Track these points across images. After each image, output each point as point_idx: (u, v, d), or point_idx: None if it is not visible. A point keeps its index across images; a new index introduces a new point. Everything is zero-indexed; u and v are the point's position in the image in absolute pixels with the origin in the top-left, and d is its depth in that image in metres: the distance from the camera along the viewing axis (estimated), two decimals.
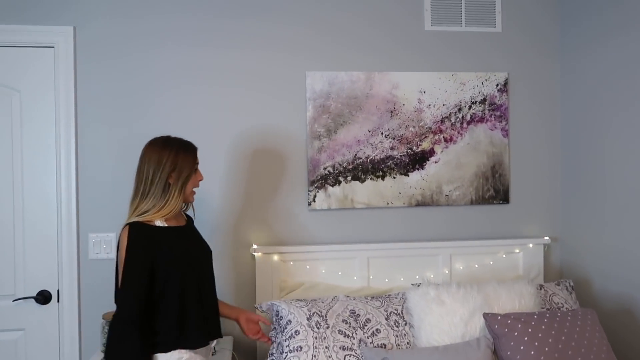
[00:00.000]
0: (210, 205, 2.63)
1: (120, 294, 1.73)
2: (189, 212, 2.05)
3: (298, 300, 2.25)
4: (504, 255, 2.73)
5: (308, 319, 2.13)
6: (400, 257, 2.68)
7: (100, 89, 2.55)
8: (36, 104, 2.49)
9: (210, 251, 2.00)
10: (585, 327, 1.94)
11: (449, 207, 2.79)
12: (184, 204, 1.94)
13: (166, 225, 1.83)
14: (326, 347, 2.05)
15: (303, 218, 2.69)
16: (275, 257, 2.58)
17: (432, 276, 2.68)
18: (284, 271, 2.61)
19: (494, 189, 2.81)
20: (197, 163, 1.93)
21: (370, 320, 2.17)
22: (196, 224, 2.45)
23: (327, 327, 2.11)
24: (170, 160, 1.81)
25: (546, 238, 2.78)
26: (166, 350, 1.74)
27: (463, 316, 2.05)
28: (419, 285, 2.27)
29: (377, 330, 2.14)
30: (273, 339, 2.18)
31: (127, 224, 1.78)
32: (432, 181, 2.77)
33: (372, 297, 2.32)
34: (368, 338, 2.11)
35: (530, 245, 2.75)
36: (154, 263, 1.75)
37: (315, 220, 2.70)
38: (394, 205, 2.73)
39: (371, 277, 2.65)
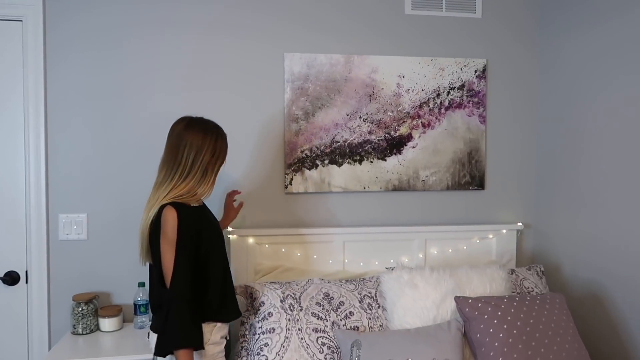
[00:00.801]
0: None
1: (175, 273, 1.69)
2: None
3: (272, 282, 2.24)
4: (478, 241, 2.76)
5: (282, 301, 2.12)
6: (376, 241, 2.68)
7: (72, 65, 2.47)
8: (3, 81, 2.41)
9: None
10: (553, 310, 1.97)
11: (425, 192, 2.80)
12: None
13: (197, 205, 1.86)
14: (299, 329, 2.05)
15: (279, 201, 2.67)
16: (251, 240, 2.56)
17: (406, 260, 2.69)
18: (259, 254, 2.59)
19: (470, 175, 2.82)
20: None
21: (343, 303, 2.17)
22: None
23: (301, 310, 2.11)
24: (211, 146, 1.80)
25: (519, 224, 2.81)
26: (208, 321, 1.80)
27: (435, 300, 2.06)
28: (392, 269, 2.27)
29: (350, 313, 2.14)
30: (245, 320, 2.17)
31: (168, 204, 1.75)
32: (409, 166, 2.76)
33: (347, 281, 2.31)
34: (341, 320, 2.11)
35: (504, 231, 2.78)
36: (199, 241, 1.76)
37: (291, 203, 2.68)
38: (371, 190, 2.73)
39: (346, 260, 2.65)
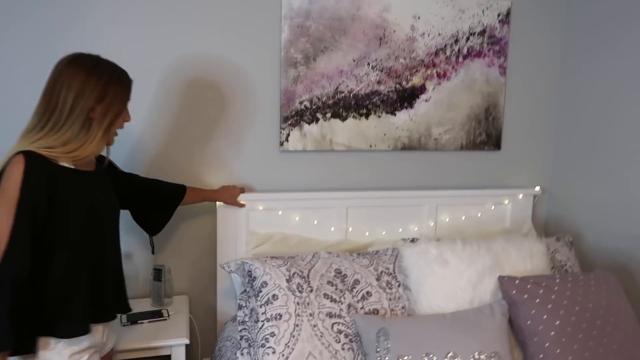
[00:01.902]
0: (157, 144, 2.12)
1: (10, 244, 1.24)
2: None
3: (273, 257, 1.84)
4: (493, 207, 2.44)
5: (288, 280, 1.74)
6: (383, 207, 2.32)
7: None
8: None
9: (118, 209, 1.57)
10: (609, 291, 1.68)
11: (437, 152, 2.44)
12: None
13: (73, 167, 1.37)
14: (310, 315, 1.68)
15: (274, 160, 2.25)
16: (241, 203, 2.14)
17: (415, 229, 2.35)
18: (251, 221, 2.18)
19: (486, 134, 2.48)
20: (129, 100, 1.46)
21: (359, 282, 1.81)
22: (135, 169, 1.97)
23: (311, 291, 1.73)
24: (97, 89, 1.34)
25: (537, 188, 2.50)
26: (45, 333, 1.32)
27: (471, 279, 1.73)
28: (412, 241, 1.92)
29: (367, 293, 1.79)
30: (243, 303, 1.78)
31: (21, 153, 1.28)
32: (421, 122, 2.38)
33: (359, 254, 1.95)
34: (358, 303, 1.76)
35: (520, 196, 2.47)
36: (49, 212, 1.30)
37: (288, 163, 2.26)
38: (378, 149, 2.34)
39: (350, 229, 2.28)
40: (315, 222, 2.24)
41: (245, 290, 1.80)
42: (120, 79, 1.40)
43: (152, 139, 2.10)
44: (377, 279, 1.83)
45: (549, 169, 2.59)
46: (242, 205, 2.11)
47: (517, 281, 1.66)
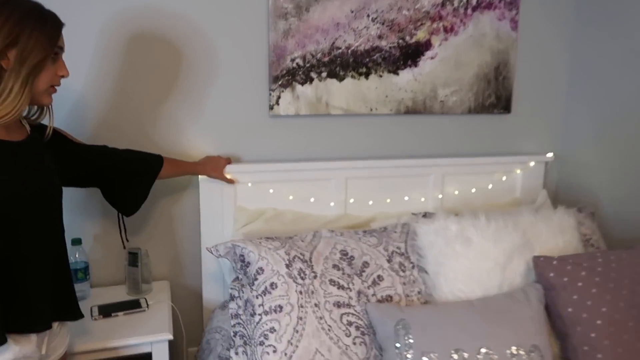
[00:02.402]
0: (124, 107, 1.80)
1: None
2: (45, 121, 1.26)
3: (269, 239, 1.57)
4: (504, 177, 2.21)
5: (287, 265, 1.47)
6: (385, 177, 2.06)
7: None
8: None
9: (59, 190, 1.23)
10: None
11: (443, 115, 2.17)
12: (33, 109, 1.21)
13: None
14: (315, 305, 1.42)
15: (263, 127, 1.95)
16: (228, 178, 1.85)
17: (423, 200, 2.11)
18: (239, 196, 1.89)
19: (496, 95, 2.22)
20: (61, 48, 1.14)
21: (368, 264, 1.56)
22: (96, 138, 1.66)
23: (315, 277, 1.47)
24: (6, 29, 1.02)
25: (549, 155, 2.27)
26: None
27: (499, 259, 1.50)
28: (425, 216, 1.67)
29: (378, 277, 1.54)
30: (236, 293, 1.51)
31: None
32: (426, 82, 2.11)
33: (365, 232, 1.69)
34: (369, 289, 1.51)
35: (532, 163, 2.24)
36: None
37: (279, 129, 1.97)
38: (379, 113, 2.06)
39: (351, 200, 2.02)
40: (312, 196, 1.97)
41: (237, 278, 1.53)
42: (41, 19, 1.08)
43: (97, 100, 1.78)
44: (389, 261, 1.59)
45: (560, 133, 2.36)
46: (229, 181, 1.82)
47: (554, 262, 1.43)
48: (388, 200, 2.06)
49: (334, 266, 1.52)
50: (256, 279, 1.46)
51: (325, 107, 2.00)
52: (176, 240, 1.93)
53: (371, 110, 2.06)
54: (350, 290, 1.48)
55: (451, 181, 2.15)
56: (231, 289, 1.51)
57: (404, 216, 1.96)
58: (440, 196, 2.13)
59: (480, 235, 1.52)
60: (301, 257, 1.51)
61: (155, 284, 1.89)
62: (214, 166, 1.81)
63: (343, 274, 1.51)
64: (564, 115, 2.33)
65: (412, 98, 2.10)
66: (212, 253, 1.53)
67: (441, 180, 2.13)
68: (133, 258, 1.79)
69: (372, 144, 2.09)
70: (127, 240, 1.69)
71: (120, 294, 1.81)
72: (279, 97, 1.94)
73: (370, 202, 2.04)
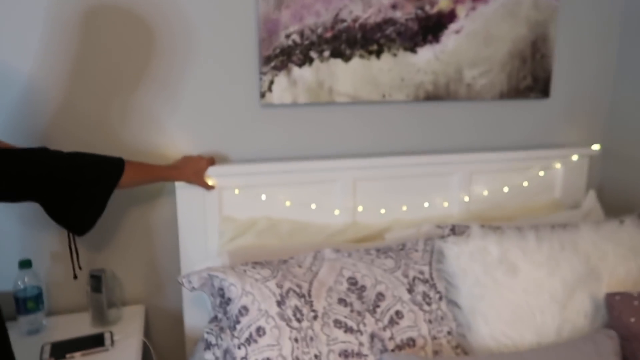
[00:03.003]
0: (84, 97, 1.44)
1: None
2: None
3: (256, 265, 1.22)
4: (542, 173, 1.83)
5: (279, 303, 1.12)
6: (401, 178, 1.70)
7: None
8: None
9: None
10: None
11: (470, 102, 1.79)
12: None
13: None
14: (316, 357, 1.07)
15: (252, 119, 1.59)
16: (209, 183, 1.50)
17: (446, 205, 1.74)
18: (225, 204, 1.54)
19: (532, 77, 1.83)
20: None
21: (383, 296, 1.20)
22: (47, 136, 1.31)
23: (315, 317, 1.12)
24: None
25: (595, 147, 1.89)
26: None
27: (556, 294, 1.13)
28: (453, 230, 1.30)
29: (397, 313, 1.19)
30: (213, 340, 1.16)
31: None
32: (449, 62, 1.73)
33: (378, 251, 1.34)
34: (385, 330, 1.15)
35: (575, 157, 1.86)
36: None
37: (272, 122, 1.60)
38: (394, 100, 1.69)
39: (360, 209, 1.66)
40: (313, 202, 1.61)
41: (216, 318, 1.18)
42: None
43: (49, 87, 1.42)
44: (409, 291, 1.23)
45: (606, 122, 1.97)
46: (209, 188, 1.46)
47: (635, 302, 1.06)
48: (404, 208, 1.69)
49: (340, 301, 1.16)
50: (238, 322, 1.10)
51: (328, 94, 1.62)
52: (151, 258, 1.59)
53: (384, 96, 1.68)
54: (361, 334, 1.12)
55: (480, 180, 1.78)
56: (207, 333, 1.17)
57: (424, 224, 1.61)
58: (466, 199, 1.76)
59: (529, 260, 1.16)
60: (297, 290, 1.15)
61: (127, 310, 1.56)
62: (194, 169, 1.45)
63: (352, 310, 1.15)
64: (611, 101, 1.94)
65: (433, 81, 1.72)
66: (183, 285, 1.18)
67: (468, 180, 1.76)
68: (96, 282, 1.45)
69: (385, 137, 1.72)
70: (80, 268, 1.34)
71: (82, 324, 1.48)
72: (271, 83, 1.57)
73: (383, 211, 1.67)
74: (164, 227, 1.57)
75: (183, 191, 1.49)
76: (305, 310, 1.12)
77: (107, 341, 1.38)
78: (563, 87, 1.87)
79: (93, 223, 1.25)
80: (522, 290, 1.13)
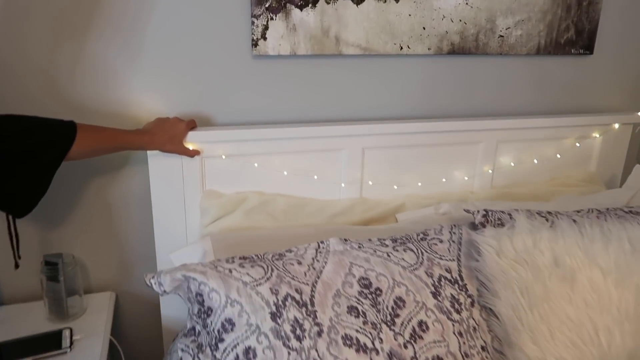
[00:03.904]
0: (20, 45, 1.12)
1: None
2: None
3: (244, 261, 0.95)
4: (578, 144, 1.56)
5: (275, 315, 0.86)
6: (418, 147, 1.41)
7: None
8: None
9: None
10: None
11: (502, 57, 1.49)
12: None
13: None
14: None
15: (242, 73, 1.28)
16: (190, 148, 1.21)
17: (466, 179, 1.48)
18: (208, 176, 1.26)
19: (576, 29, 1.53)
20: None
21: (403, 302, 0.95)
22: None
23: (320, 333, 0.87)
24: None
25: None
26: None
27: (627, 309, 0.88)
28: (485, 218, 1.04)
29: (420, 324, 0.94)
30: (189, 359, 0.91)
31: None
32: (481, 8, 1.41)
33: (394, 241, 1.08)
34: (406, 347, 0.91)
35: (616, 125, 1.59)
36: None
37: (266, 76, 1.30)
38: (412, 53, 1.38)
39: (370, 182, 1.39)
40: (315, 176, 1.34)
41: (193, 330, 0.92)
42: None
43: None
44: (435, 294, 0.98)
45: None
46: (192, 154, 1.18)
47: None
48: (419, 184, 1.42)
49: (351, 310, 0.91)
50: (221, 340, 0.85)
51: (334, 44, 1.31)
52: (120, 237, 1.32)
53: (401, 49, 1.37)
54: (377, 353, 0.88)
55: (507, 150, 1.51)
56: (182, 350, 0.91)
57: (442, 203, 1.35)
58: (490, 171, 1.49)
59: (591, 263, 0.90)
60: (297, 296, 0.89)
61: (93, 298, 1.31)
62: (170, 134, 1.16)
63: (365, 322, 0.90)
64: None
65: (461, 31, 1.41)
66: (151, 287, 0.91)
67: (494, 150, 1.49)
68: (51, 270, 1.18)
69: (400, 98, 1.42)
70: (19, 257, 1.07)
71: (39, 317, 1.22)
72: (265, 28, 1.25)
73: (395, 182, 1.41)
74: (136, 201, 1.30)
75: (156, 160, 1.21)
76: (307, 324, 0.87)
77: (65, 341, 1.13)
78: (609, 41, 1.57)
79: (35, 203, 0.97)
80: (583, 302, 0.88)
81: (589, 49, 1.55)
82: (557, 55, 1.53)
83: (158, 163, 1.21)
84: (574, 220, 0.99)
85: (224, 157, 1.25)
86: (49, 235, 1.25)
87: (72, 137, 0.97)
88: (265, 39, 1.25)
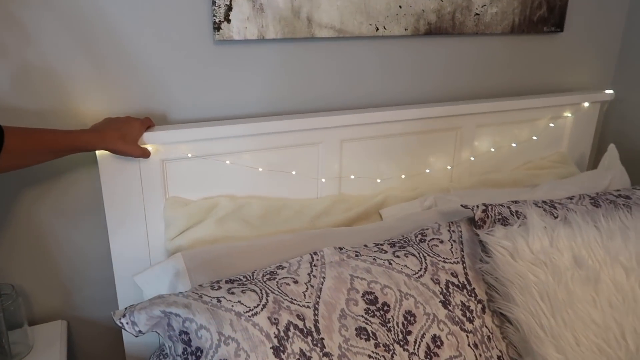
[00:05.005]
0: None
1: None
2: None
3: (233, 285, 0.81)
4: (552, 124, 1.53)
5: (278, 350, 0.73)
6: (396, 136, 1.31)
7: None
8: None
9: None
10: None
11: (477, 37, 1.41)
12: None
13: None
14: None
15: (203, 61, 1.10)
16: (149, 149, 1.03)
17: (449, 168, 1.40)
18: (171, 180, 1.09)
19: (548, 6, 1.47)
20: None
21: (414, 316, 0.85)
22: None
23: (329, 358, 0.75)
24: None
25: (609, 92, 1.59)
26: None
27: None
28: (485, 213, 0.96)
29: (434, 340, 0.84)
30: None
31: None
32: None
33: (393, 245, 0.97)
34: None
35: (586, 104, 1.56)
36: None
37: (230, 65, 1.13)
38: (388, 34, 1.26)
39: (352, 176, 1.27)
40: (288, 173, 1.20)
41: None
42: None
43: None
44: (445, 304, 0.88)
45: (614, 63, 1.67)
46: (145, 154, 1.00)
47: None
48: (402, 176, 1.33)
49: (360, 332, 0.79)
50: None
51: (306, 26, 1.17)
52: (68, 258, 1.12)
53: (377, 29, 1.25)
54: None
55: (485, 134, 1.44)
56: None
57: (426, 194, 1.27)
58: (472, 158, 1.42)
59: (613, 261, 0.84)
60: (300, 323, 0.76)
61: (41, 329, 1.11)
62: (121, 133, 0.98)
63: (377, 344, 0.79)
64: (623, 36, 1.63)
65: (437, 10, 1.31)
66: (124, 329, 0.75)
67: (472, 134, 1.41)
68: None
69: (378, 84, 1.30)
70: None
71: None
72: (229, 9, 1.08)
73: (377, 174, 1.30)
74: (84, 213, 1.10)
75: (108, 164, 1.02)
76: (315, 356, 0.74)
77: None
78: (578, 18, 1.52)
79: None
80: (608, 304, 0.82)
81: (559, 26, 1.50)
82: (530, 34, 1.47)
83: (110, 167, 1.03)
84: (587, 212, 0.92)
85: (189, 155, 1.08)
86: None
87: None
88: (228, 21, 1.08)
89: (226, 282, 0.82)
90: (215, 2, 1.06)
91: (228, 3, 1.07)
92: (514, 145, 1.46)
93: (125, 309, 0.74)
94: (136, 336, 0.72)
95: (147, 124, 1.04)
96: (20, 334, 1.04)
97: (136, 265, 1.08)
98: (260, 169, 1.15)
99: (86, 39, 0.97)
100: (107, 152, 0.99)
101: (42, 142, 0.87)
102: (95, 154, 1.00)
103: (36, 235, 1.07)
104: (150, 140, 1.03)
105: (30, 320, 1.10)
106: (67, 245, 1.10)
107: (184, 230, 1.08)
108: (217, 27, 1.08)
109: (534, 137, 1.50)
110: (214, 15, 1.07)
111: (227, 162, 1.12)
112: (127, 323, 0.73)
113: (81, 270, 1.13)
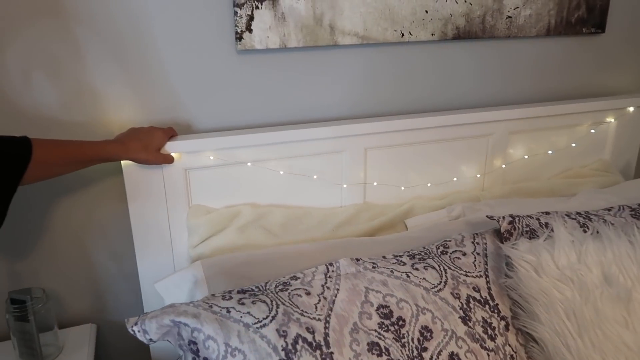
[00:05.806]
0: None
1: None
2: None
3: (244, 295, 0.80)
4: (593, 130, 1.44)
5: None
6: (423, 144, 1.27)
7: None
8: None
9: None
10: None
11: (510, 40, 1.35)
12: None
13: None
14: None
15: (225, 71, 1.11)
16: (167, 156, 1.05)
17: (478, 176, 1.34)
18: (193, 189, 1.10)
19: (587, 6, 1.39)
20: None
21: (431, 332, 0.82)
22: None
23: None
24: None
25: None
26: None
27: None
28: (512, 225, 0.91)
29: (452, 357, 0.80)
30: None
31: None
32: None
33: (412, 257, 0.94)
34: None
35: (631, 109, 1.47)
36: None
37: (253, 74, 1.13)
38: (414, 40, 1.23)
39: (375, 183, 1.24)
40: (311, 181, 1.19)
41: None
42: None
43: None
44: (465, 320, 0.84)
45: None
46: (167, 161, 1.02)
47: None
48: (428, 184, 1.29)
49: (372, 347, 0.76)
50: None
51: (329, 34, 1.15)
52: (98, 264, 1.16)
53: (403, 35, 1.22)
54: None
55: (519, 141, 1.37)
56: None
57: (454, 203, 1.22)
58: (503, 166, 1.36)
59: None
60: (309, 336, 0.75)
61: (71, 332, 1.15)
62: (143, 143, 1.00)
63: None
64: None
65: (466, 14, 1.26)
66: (136, 335, 0.76)
67: (505, 142, 1.35)
68: (19, 309, 1.02)
69: (403, 91, 1.27)
70: None
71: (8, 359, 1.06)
72: (250, 19, 1.08)
73: (402, 183, 1.27)
74: (113, 223, 1.13)
75: (133, 173, 1.05)
76: None
77: None
78: (622, 19, 1.44)
79: None
80: None
81: (600, 27, 1.42)
82: (568, 36, 1.39)
83: (135, 176, 1.05)
84: (612, 224, 0.86)
85: (211, 158, 1.09)
86: (15, 269, 1.08)
87: (27, 156, 0.80)
88: (250, 31, 1.09)
89: (238, 292, 0.81)
90: (237, 12, 1.06)
91: (250, 13, 1.07)
92: (550, 152, 1.39)
93: (138, 317, 0.75)
94: (147, 344, 0.72)
95: (170, 133, 1.05)
96: (50, 336, 1.08)
97: (161, 272, 1.10)
98: (281, 172, 1.14)
99: (121, 53, 1.00)
100: (131, 162, 1.01)
101: (69, 153, 0.90)
102: (120, 164, 1.02)
103: (68, 242, 1.10)
104: (173, 149, 1.04)
105: (62, 323, 1.14)
106: (97, 251, 1.13)
107: (206, 238, 1.09)
108: (239, 37, 1.08)
109: (573, 144, 1.41)
110: (236, 26, 1.07)
111: (246, 174, 1.12)
112: (138, 331, 0.73)
113: (110, 275, 1.16)
